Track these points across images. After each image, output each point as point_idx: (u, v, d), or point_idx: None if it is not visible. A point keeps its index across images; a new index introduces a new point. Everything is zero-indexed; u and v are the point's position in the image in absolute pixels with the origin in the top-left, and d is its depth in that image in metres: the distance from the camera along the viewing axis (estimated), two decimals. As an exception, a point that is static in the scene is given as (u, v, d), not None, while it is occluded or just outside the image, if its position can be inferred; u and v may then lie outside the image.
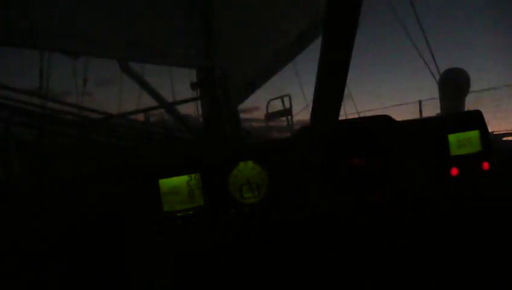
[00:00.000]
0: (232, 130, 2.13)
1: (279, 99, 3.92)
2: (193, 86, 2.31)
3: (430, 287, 1.03)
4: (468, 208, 1.10)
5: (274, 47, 3.04)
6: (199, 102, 2.59)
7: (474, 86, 2.24)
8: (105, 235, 0.92)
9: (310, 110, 0.95)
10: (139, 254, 0.93)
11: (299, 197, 0.99)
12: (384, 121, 1.07)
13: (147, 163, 0.99)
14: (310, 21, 2.82)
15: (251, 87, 3.22)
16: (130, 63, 2.54)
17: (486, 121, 1.12)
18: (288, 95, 3.91)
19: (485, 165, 1.09)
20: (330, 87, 0.85)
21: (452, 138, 1.09)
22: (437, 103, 2.28)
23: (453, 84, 2.11)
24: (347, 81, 0.84)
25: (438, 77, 2.70)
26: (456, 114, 1.32)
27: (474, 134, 1.10)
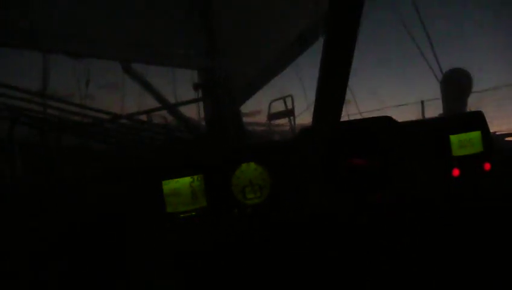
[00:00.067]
0: (234, 131, 2.13)
1: (281, 101, 3.91)
2: (195, 87, 2.32)
3: (430, 287, 1.02)
4: (469, 209, 1.10)
5: (274, 47, 3.04)
6: (201, 103, 2.59)
7: (476, 86, 2.23)
8: (108, 236, 0.92)
9: (312, 112, 0.96)
10: (143, 254, 0.93)
11: (300, 198, 0.99)
12: (384, 121, 1.07)
13: (150, 165, 0.99)
14: (310, 21, 2.82)
15: (252, 87, 3.22)
16: (133, 64, 2.55)
17: (488, 121, 1.12)
18: (290, 95, 3.88)
19: (487, 166, 1.10)
20: (332, 88, 0.85)
21: (454, 138, 1.09)
22: (439, 103, 2.27)
23: (456, 85, 2.10)
24: (349, 83, 0.85)
25: (440, 78, 2.69)
26: (458, 115, 1.33)
27: (475, 135, 1.10)
